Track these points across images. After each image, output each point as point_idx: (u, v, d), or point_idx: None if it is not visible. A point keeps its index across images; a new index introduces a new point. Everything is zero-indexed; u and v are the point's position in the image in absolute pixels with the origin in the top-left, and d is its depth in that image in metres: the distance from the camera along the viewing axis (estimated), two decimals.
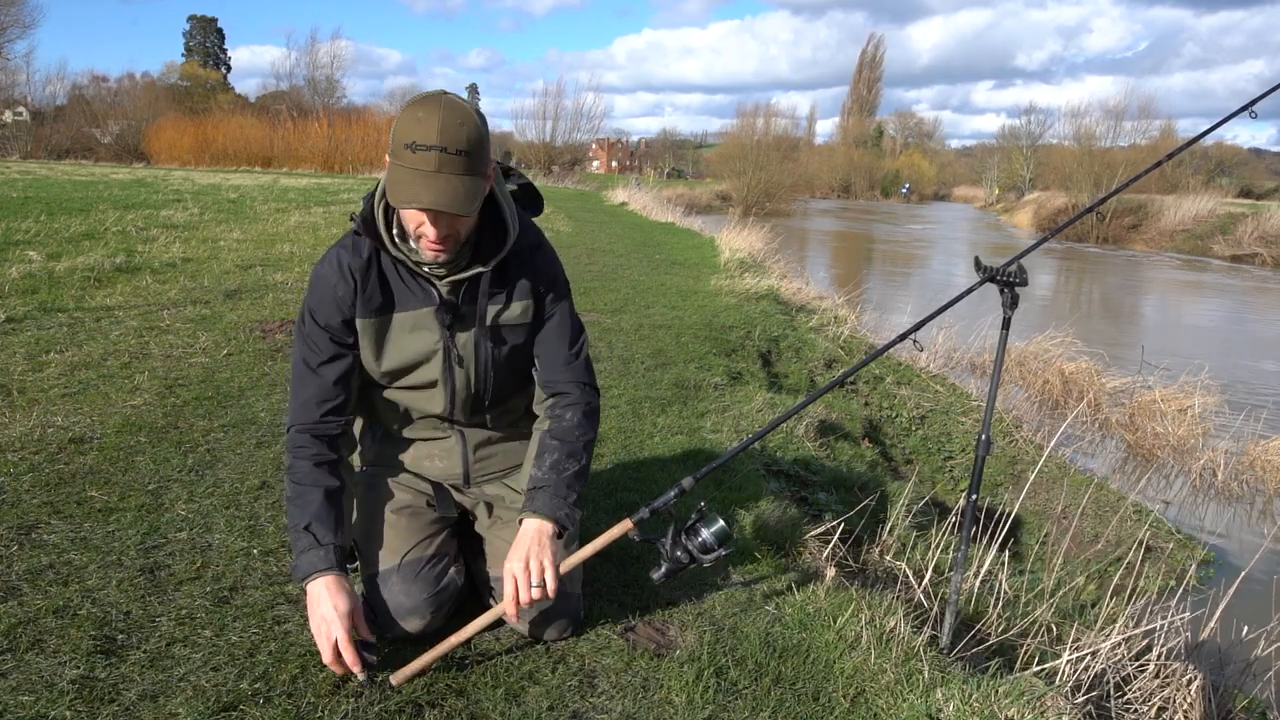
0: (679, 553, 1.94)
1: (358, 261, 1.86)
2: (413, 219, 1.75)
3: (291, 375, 1.94)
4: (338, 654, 1.73)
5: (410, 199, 1.66)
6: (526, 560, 1.80)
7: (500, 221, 1.89)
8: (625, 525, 1.91)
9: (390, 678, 1.80)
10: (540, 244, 2.00)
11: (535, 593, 1.79)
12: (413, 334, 1.91)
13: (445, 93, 1.69)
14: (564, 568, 1.89)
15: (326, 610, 1.73)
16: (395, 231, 1.84)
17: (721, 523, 1.93)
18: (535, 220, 2.07)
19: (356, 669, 1.74)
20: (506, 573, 1.80)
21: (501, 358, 1.97)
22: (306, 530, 1.79)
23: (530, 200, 2.05)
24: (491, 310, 1.93)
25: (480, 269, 1.87)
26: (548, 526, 1.85)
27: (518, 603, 1.79)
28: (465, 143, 1.66)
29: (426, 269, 1.86)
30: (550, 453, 1.94)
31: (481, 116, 1.72)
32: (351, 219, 1.87)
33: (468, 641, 1.88)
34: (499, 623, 2.02)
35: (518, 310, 1.96)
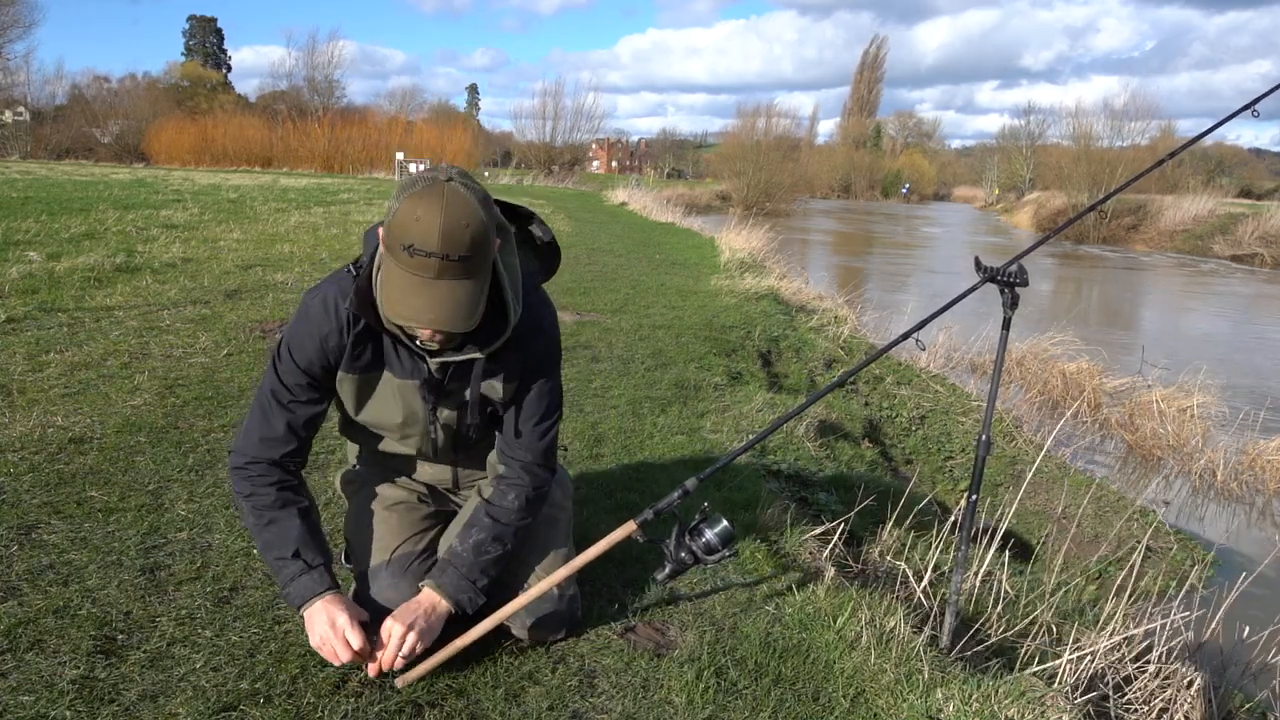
0: (683, 553, 1.94)
1: (356, 322, 1.75)
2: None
3: (255, 403, 1.82)
4: (350, 650, 1.71)
5: (410, 315, 1.56)
6: (408, 626, 1.76)
7: (501, 304, 1.73)
8: (629, 527, 1.91)
9: (395, 680, 1.80)
10: (540, 327, 1.86)
11: (399, 662, 1.76)
12: (395, 399, 1.85)
13: (450, 181, 1.55)
14: (568, 570, 1.90)
15: (332, 622, 1.72)
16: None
17: (725, 523, 1.94)
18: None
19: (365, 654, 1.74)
20: (384, 628, 1.77)
21: (482, 424, 1.92)
22: (295, 557, 1.75)
23: (546, 255, 1.93)
24: (480, 388, 1.85)
25: (475, 355, 1.76)
26: (444, 606, 1.82)
27: (378, 659, 1.76)
28: (468, 246, 1.53)
29: (420, 343, 1.75)
30: (479, 530, 1.86)
31: (486, 201, 1.60)
32: (351, 269, 1.76)
33: (472, 644, 1.87)
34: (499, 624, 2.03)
35: (502, 389, 1.87)
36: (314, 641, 1.74)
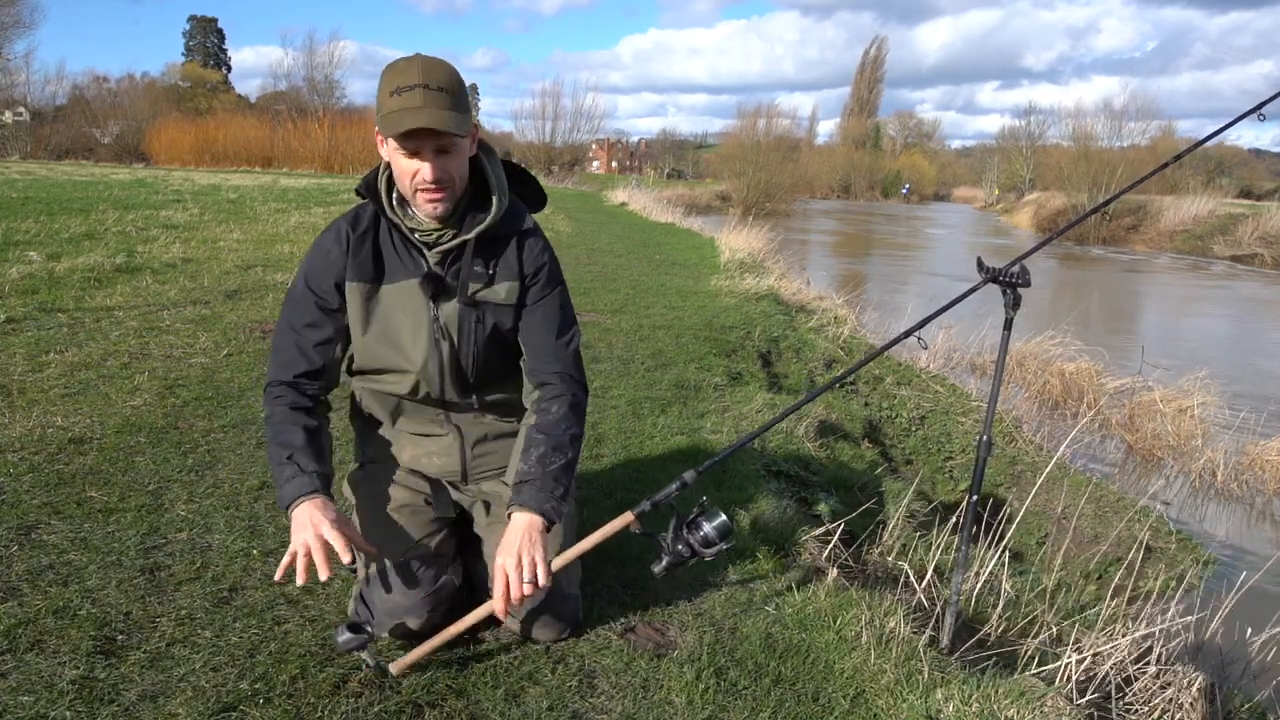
0: (680, 546, 1.93)
1: (356, 229, 1.91)
2: (408, 169, 1.77)
3: (273, 338, 1.97)
4: (308, 556, 1.68)
5: (400, 123, 1.70)
6: (518, 556, 1.78)
7: (487, 193, 1.92)
8: (626, 518, 1.91)
9: (390, 666, 1.80)
10: (534, 231, 2.02)
11: (527, 589, 1.77)
12: (400, 305, 1.93)
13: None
14: (562, 561, 1.89)
15: (311, 528, 1.71)
16: (395, 198, 1.89)
17: (723, 516, 1.93)
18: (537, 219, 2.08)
19: (323, 569, 1.68)
20: (497, 569, 1.78)
21: (485, 334, 1.98)
22: (289, 461, 1.80)
23: (532, 196, 2.06)
24: (476, 286, 1.94)
25: (468, 237, 1.89)
26: (536, 520, 1.83)
27: (508, 599, 1.78)
28: (447, 81, 1.72)
29: (419, 236, 1.89)
30: (536, 446, 1.92)
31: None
32: (357, 192, 1.91)
33: (465, 632, 1.87)
34: (497, 623, 2.03)
35: (502, 291, 1.96)
36: (293, 547, 1.70)
